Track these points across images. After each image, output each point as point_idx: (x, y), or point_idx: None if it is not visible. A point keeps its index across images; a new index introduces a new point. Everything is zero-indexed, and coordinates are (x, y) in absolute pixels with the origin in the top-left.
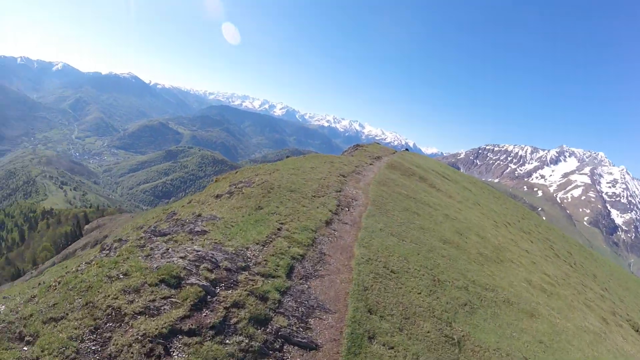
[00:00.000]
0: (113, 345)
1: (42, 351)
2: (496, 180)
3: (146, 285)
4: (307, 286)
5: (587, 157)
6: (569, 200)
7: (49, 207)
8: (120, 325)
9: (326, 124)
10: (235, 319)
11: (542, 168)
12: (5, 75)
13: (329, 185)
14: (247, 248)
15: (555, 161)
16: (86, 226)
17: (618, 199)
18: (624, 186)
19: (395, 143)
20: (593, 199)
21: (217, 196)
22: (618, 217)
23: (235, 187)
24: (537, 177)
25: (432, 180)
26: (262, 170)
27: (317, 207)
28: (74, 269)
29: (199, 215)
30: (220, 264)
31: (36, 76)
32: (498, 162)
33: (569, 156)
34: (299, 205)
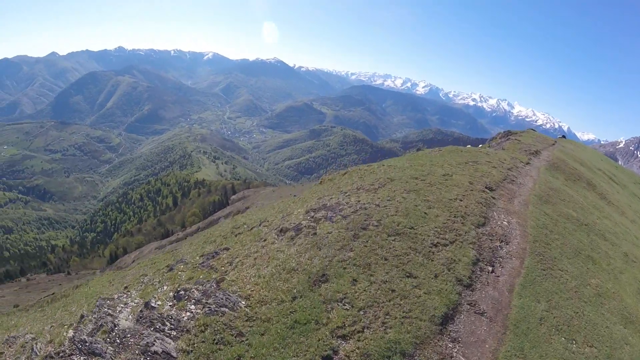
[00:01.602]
0: None
1: None
2: None
3: None
4: None
5: None
6: None
7: (201, 178)
8: None
9: (472, 103)
10: None
11: None
12: (161, 67)
13: (467, 214)
14: None
15: None
16: (232, 196)
17: None
18: None
19: (548, 126)
20: None
21: (281, 231)
22: None
23: (312, 219)
24: None
25: (600, 186)
26: (371, 178)
27: (433, 278)
28: None
29: (207, 289)
30: None
31: (189, 66)
32: None
33: None
34: (400, 273)
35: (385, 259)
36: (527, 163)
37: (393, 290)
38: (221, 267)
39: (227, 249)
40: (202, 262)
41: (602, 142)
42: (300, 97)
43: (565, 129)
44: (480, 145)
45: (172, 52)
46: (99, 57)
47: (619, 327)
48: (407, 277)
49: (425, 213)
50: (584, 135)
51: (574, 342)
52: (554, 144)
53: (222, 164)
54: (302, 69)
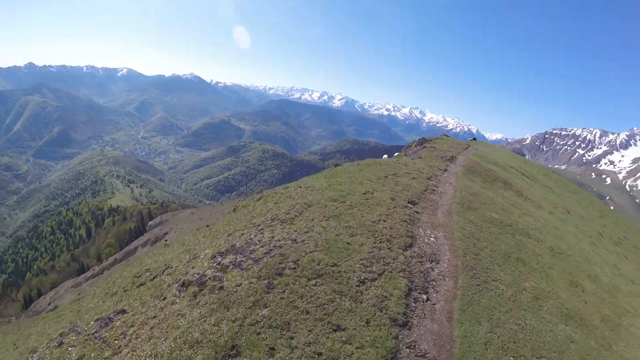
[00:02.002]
0: None
1: None
2: (563, 167)
3: None
4: None
5: None
6: (639, 187)
7: (115, 204)
8: None
9: (385, 113)
10: None
11: (611, 153)
12: (73, 84)
13: (392, 237)
14: None
15: (625, 145)
16: (150, 222)
17: None
18: None
19: (458, 130)
20: None
21: (183, 285)
22: None
23: (218, 266)
24: (606, 163)
25: (516, 184)
26: (287, 204)
27: (365, 326)
28: None
29: None
30: None
31: (102, 82)
32: (565, 147)
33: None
34: (326, 327)
35: (307, 312)
36: (445, 170)
37: (320, 354)
38: (114, 340)
39: (123, 311)
40: (95, 332)
41: (509, 140)
42: (217, 113)
43: (474, 131)
44: (396, 154)
45: (85, 68)
46: (7, 74)
47: (561, 326)
48: (335, 331)
49: (348, 243)
50: (492, 136)
51: (523, 358)
52: (467, 148)
53: (137, 187)
54: (219, 84)
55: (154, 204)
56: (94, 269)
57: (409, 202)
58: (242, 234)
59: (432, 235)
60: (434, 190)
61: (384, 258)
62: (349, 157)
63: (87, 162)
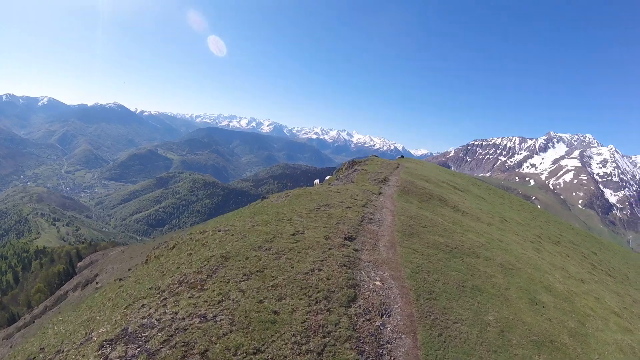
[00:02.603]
0: None
1: None
2: (487, 175)
3: None
4: None
5: (575, 141)
6: (562, 185)
7: (42, 245)
8: None
9: (314, 136)
10: None
11: (531, 157)
12: None
13: (331, 292)
14: None
15: (544, 148)
16: (79, 263)
17: (610, 178)
18: (614, 165)
19: (385, 149)
20: (585, 181)
21: None
22: (612, 196)
23: None
24: (527, 167)
25: (451, 199)
26: (202, 257)
27: None
28: None
29: None
30: None
31: (22, 112)
32: (488, 156)
33: (557, 142)
34: None
35: None
36: (379, 193)
37: None
38: None
39: None
40: None
41: (434, 155)
42: (143, 143)
43: (400, 148)
44: (328, 177)
45: (4, 96)
46: None
47: (535, 358)
48: None
49: (275, 313)
50: (418, 151)
51: None
52: (397, 167)
53: (63, 226)
54: (144, 113)
55: (82, 243)
56: (25, 318)
57: (345, 239)
58: (142, 305)
59: (377, 279)
60: (372, 218)
61: (323, 327)
62: (282, 182)
63: (10, 200)
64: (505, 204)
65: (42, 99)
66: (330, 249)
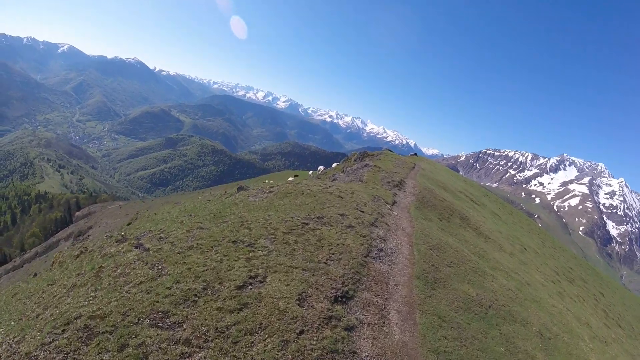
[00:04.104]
0: None
1: None
2: (495, 185)
3: None
4: None
5: (587, 167)
6: (566, 209)
7: (44, 190)
8: None
9: (328, 119)
10: None
11: (541, 175)
12: (10, 55)
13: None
14: None
15: (555, 169)
16: (77, 213)
17: (615, 210)
18: (621, 198)
19: (397, 142)
20: (590, 209)
21: None
22: (613, 229)
23: None
24: (535, 185)
25: (472, 218)
26: (68, 310)
27: None
28: None
29: None
30: None
31: (41, 57)
32: (498, 167)
33: (569, 165)
34: None
35: None
36: (394, 203)
37: None
38: None
39: None
40: None
41: (444, 156)
42: (158, 102)
43: (412, 145)
44: (334, 165)
45: (25, 39)
46: None
47: None
48: None
49: None
50: (429, 150)
51: None
52: (413, 167)
53: (67, 174)
54: (162, 72)
55: (84, 193)
56: (15, 261)
57: (336, 300)
58: None
59: (393, 336)
60: (381, 249)
61: None
62: (289, 160)
63: (18, 142)
64: (517, 224)
65: (63, 46)
66: (301, 332)
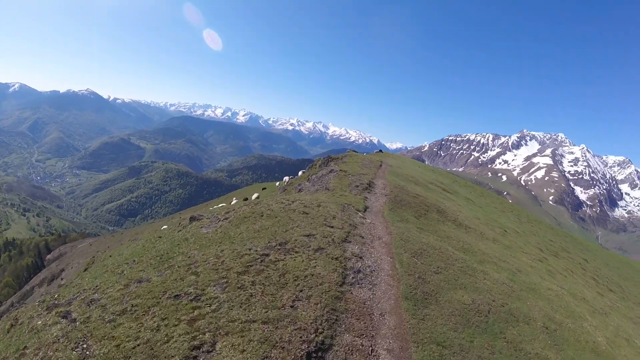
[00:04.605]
0: None
1: None
2: (461, 169)
3: None
4: None
5: (547, 140)
6: (533, 182)
7: (12, 237)
8: None
9: (290, 127)
10: None
11: (504, 154)
12: None
13: None
14: None
15: (517, 146)
16: (48, 256)
17: (580, 176)
18: (585, 164)
19: (360, 141)
20: (556, 179)
21: None
22: (582, 194)
23: None
24: (500, 163)
25: (448, 209)
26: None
27: None
28: None
29: None
30: None
31: None
32: (461, 151)
33: (530, 140)
34: None
35: None
36: (366, 209)
37: None
38: None
39: None
40: None
41: (408, 148)
42: (116, 132)
43: (375, 142)
44: (300, 173)
45: None
46: None
47: None
48: None
49: None
50: (393, 145)
51: None
52: (380, 165)
53: (33, 217)
54: (117, 100)
55: (52, 234)
56: None
57: (310, 357)
58: None
59: None
60: (359, 270)
61: None
62: (256, 173)
63: None
64: (490, 205)
65: (14, 85)
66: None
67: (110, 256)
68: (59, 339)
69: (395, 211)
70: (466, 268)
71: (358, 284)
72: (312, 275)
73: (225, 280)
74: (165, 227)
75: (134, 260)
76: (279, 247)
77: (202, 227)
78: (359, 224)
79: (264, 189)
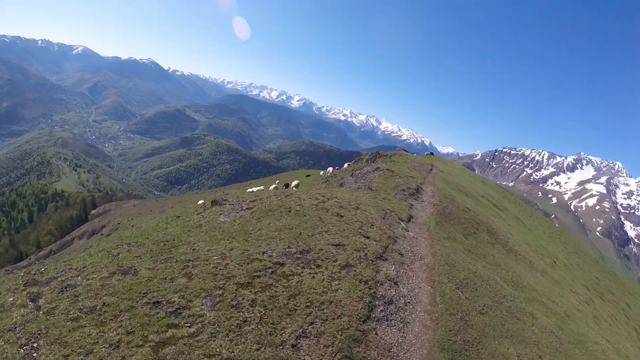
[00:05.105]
0: None
1: None
2: (511, 184)
3: None
4: None
5: (604, 167)
6: (583, 209)
7: (61, 189)
8: None
9: (343, 118)
10: None
11: (558, 175)
12: (25, 58)
13: None
14: None
15: (572, 168)
16: (93, 211)
17: (632, 211)
18: (639, 198)
19: (412, 141)
20: (607, 210)
21: None
22: (631, 230)
23: None
24: (552, 184)
25: (499, 230)
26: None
27: None
28: None
29: None
30: None
31: (56, 59)
32: (514, 165)
33: (586, 164)
34: None
35: None
36: (409, 219)
37: None
38: None
39: None
40: None
41: (460, 155)
42: (173, 102)
43: (427, 143)
44: (345, 165)
45: (40, 42)
46: None
47: None
48: None
49: None
50: (445, 149)
51: None
52: (431, 170)
53: (84, 172)
54: (177, 72)
55: (100, 191)
56: (30, 259)
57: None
58: None
59: None
60: (390, 302)
61: None
62: (304, 158)
63: (35, 142)
64: (539, 228)
65: (77, 48)
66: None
67: (133, 226)
68: (15, 327)
69: (443, 225)
70: (514, 309)
71: (387, 320)
72: (331, 302)
73: (220, 292)
74: (201, 201)
75: (137, 242)
76: (298, 256)
77: (221, 214)
78: (400, 237)
79: (307, 175)
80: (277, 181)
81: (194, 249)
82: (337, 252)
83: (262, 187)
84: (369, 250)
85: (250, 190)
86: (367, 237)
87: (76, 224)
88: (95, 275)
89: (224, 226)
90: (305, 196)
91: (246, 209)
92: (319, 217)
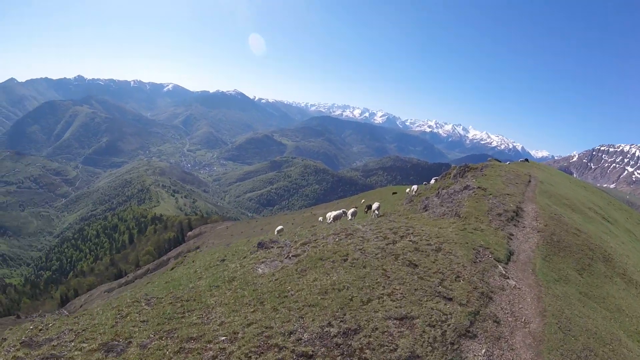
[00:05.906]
0: None
1: None
2: (612, 186)
3: None
4: None
5: None
6: None
7: (159, 213)
8: None
9: (428, 130)
10: None
11: None
12: (121, 98)
13: None
14: None
15: None
16: (189, 233)
17: None
18: None
19: (502, 147)
20: None
21: None
22: None
23: None
24: None
25: (615, 255)
26: None
27: None
28: None
29: None
30: None
31: (149, 97)
32: (614, 164)
33: None
34: None
35: None
36: (509, 258)
37: None
38: None
39: None
40: None
41: (555, 158)
42: (260, 128)
43: (519, 148)
44: (432, 181)
45: (132, 82)
46: (57, 86)
47: None
48: None
49: None
50: (538, 153)
51: None
52: (529, 182)
53: (181, 197)
54: (262, 100)
55: (196, 214)
56: (128, 276)
57: None
58: None
59: None
60: None
61: None
62: (391, 174)
63: (134, 171)
64: None
65: (168, 85)
66: None
67: (193, 261)
68: None
69: (551, 261)
70: None
71: None
72: None
73: None
74: (280, 227)
75: (155, 298)
76: (339, 341)
77: (262, 263)
78: (497, 290)
79: (394, 193)
80: (356, 206)
81: (202, 322)
82: (399, 332)
83: (341, 211)
84: (450, 325)
85: (322, 218)
86: (450, 300)
87: (173, 244)
88: (85, 345)
89: (258, 282)
90: (372, 235)
91: (292, 256)
92: (383, 269)
